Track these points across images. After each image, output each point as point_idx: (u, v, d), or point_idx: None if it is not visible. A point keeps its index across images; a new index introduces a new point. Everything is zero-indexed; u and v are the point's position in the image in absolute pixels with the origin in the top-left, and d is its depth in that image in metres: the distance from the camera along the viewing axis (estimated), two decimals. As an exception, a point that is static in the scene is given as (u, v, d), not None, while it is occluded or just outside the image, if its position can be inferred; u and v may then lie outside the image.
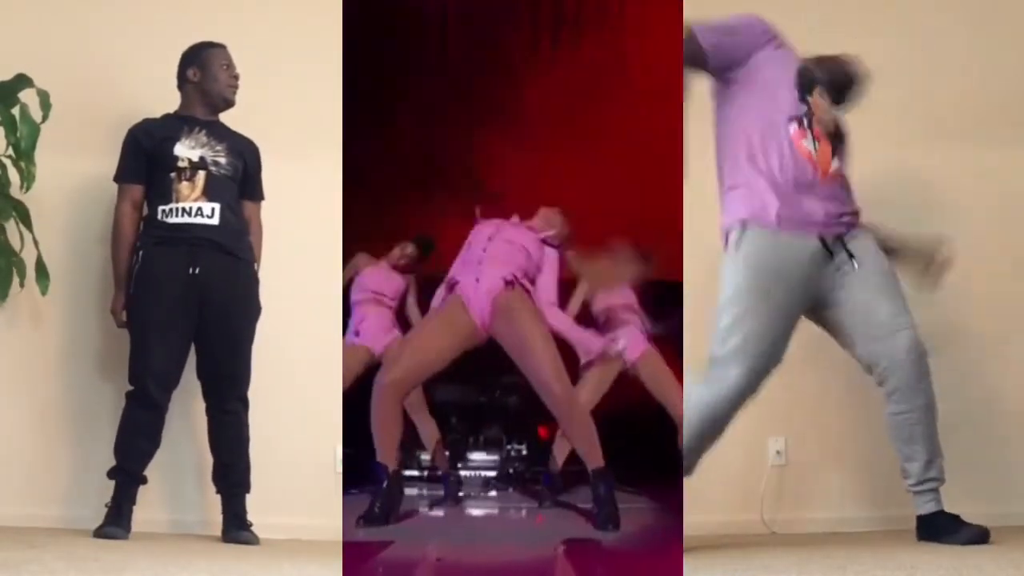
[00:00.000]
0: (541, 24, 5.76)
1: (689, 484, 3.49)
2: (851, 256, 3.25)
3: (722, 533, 3.77)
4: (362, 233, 4.71)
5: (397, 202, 5.62)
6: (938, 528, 3.26)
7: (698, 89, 3.41)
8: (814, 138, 3.29)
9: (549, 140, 5.48)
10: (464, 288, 3.63)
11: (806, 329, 3.99)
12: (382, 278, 4.91)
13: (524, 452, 5.58)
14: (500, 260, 3.69)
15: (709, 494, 3.80)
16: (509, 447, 5.46)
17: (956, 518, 3.27)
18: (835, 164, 3.32)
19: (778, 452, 4.00)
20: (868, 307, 3.24)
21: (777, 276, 3.21)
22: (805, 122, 3.29)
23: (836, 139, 3.33)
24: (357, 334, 4.77)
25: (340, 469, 4.01)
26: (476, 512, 4.45)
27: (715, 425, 3.24)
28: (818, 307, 3.32)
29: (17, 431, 3.93)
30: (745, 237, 3.24)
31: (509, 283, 3.60)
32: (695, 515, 3.67)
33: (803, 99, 3.29)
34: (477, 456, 6.04)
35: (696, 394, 3.23)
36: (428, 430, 4.83)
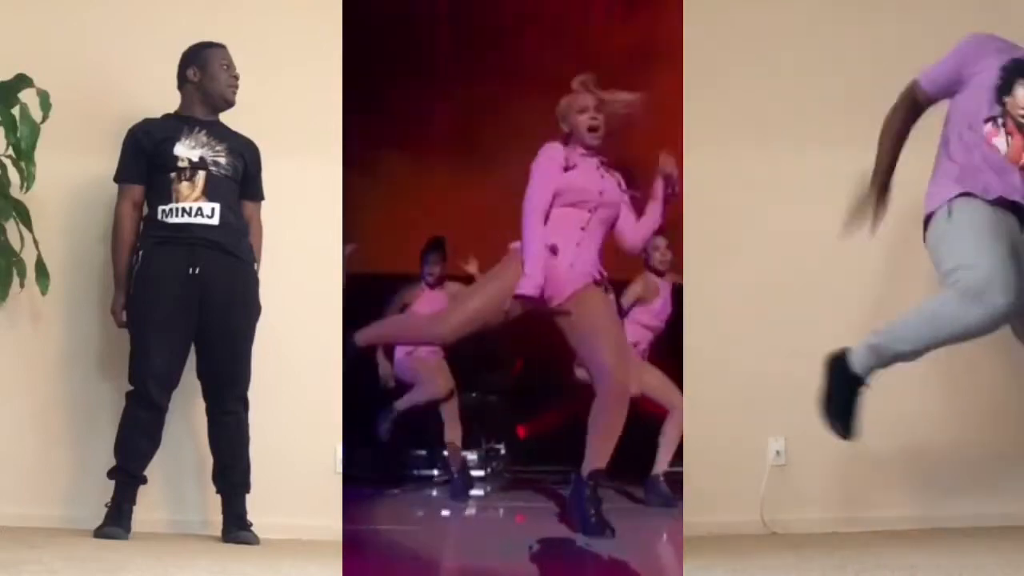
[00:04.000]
0: (540, 24, 5.76)
1: (689, 484, 3.50)
2: None
3: (722, 533, 3.77)
4: (362, 232, 4.71)
5: (397, 201, 5.61)
6: None
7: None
8: (1007, 134, 3.32)
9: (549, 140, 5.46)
10: (558, 267, 3.42)
11: (806, 329, 4.01)
12: (425, 302, 4.97)
13: (502, 451, 5.58)
14: (594, 248, 3.50)
15: (709, 494, 3.80)
16: (488, 445, 5.46)
17: None
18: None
19: (778, 452, 4.00)
20: None
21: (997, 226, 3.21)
22: (999, 121, 3.33)
23: None
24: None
25: (340, 469, 4.01)
26: (456, 511, 4.47)
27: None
28: None
29: (17, 431, 3.93)
30: (955, 206, 3.26)
31: (598, 283, 3.46)
32: (695, 515, 3.67)
33: (999, 100, 3.33)
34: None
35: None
36: (453, 434, 4.93)
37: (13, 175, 3.77)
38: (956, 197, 3.29)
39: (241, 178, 3.81)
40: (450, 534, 4.04)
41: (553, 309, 3.36)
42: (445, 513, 4.32)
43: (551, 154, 3.45)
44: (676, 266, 3.99)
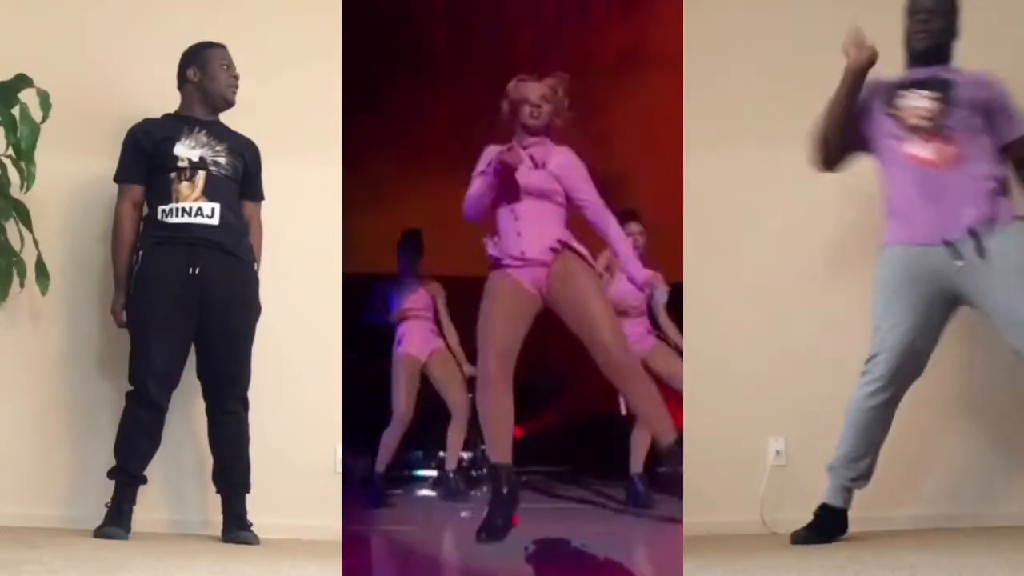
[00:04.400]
0: (540, 24, 5.76)
1: (689, 484, 3.49)
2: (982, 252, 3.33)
3: (722, 533, 3.77)
4: (362, 232, 4.71)
5: (397, 201, 5.61)
6: None
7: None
8: (921, 140, 3.42)
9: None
10: (512, 268, 3.42)
11: (806, 329, 4.01)
12: (410, 294, 5.07)
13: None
14: (536, 227, 3.45)
15: (709, 494, 3.80)
16: (484, 446, 5.45)
17: None
18: (951, 150, 3.38)
19: (778, 452, 4.00)
20: (1009, 307, 3.34)
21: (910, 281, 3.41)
22: (902, 133, 3.44)
23: (940, 118, 3.41)
24: (399, 343, 5.02)
25: (340, 469, 4.01)
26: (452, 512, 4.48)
27: None
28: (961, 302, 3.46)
29: (17, 431, 3.93)
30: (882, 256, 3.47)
31: (555, 250, 3.41)
32: (695, 515, 3.67)
33: (889, 114, 3.46)
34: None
35: None
36: (455, 438, 5.02)
37: (13, 175, 3.77)
38: (883, 246, 3.46)
39: (241, 178, 3.81)
40: (448, 534, 4.04)
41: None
42: (443, 513, 4.32)
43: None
44: (676, 266, 3.98)
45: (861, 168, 3.69)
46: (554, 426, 5.70)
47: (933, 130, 3.41)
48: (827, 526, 3.47)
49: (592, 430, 5.33)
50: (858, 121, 3.52)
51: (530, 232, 3.40)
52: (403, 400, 4.90)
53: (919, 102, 3.45)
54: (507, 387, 3.29)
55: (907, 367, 3.43)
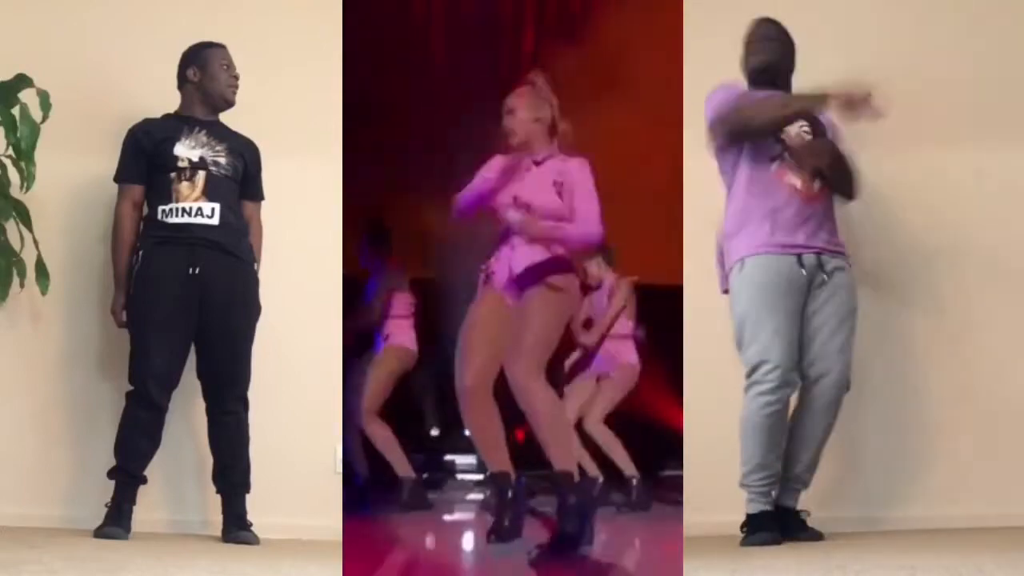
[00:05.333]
0: (540, 27, 5.76)
1: (689, 484, 3.49)
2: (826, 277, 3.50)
3: (722, 533, 3.77)
4: (362, 232, 4.70)
5: (398, 200, 5.61)
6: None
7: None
8: (792, 169, 3.54)
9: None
10: (498, 278, 3.38)
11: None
12: (394, 296, 5.04)
13: None
14: (527, 248, 3.36)
15: (708, 494, 3.80)
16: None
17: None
18: (816, 184, 3.54)
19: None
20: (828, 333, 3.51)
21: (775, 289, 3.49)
22: (786, 157, 3.54)
23: (815, 158, 3.56)
24: (386, 339, 4.97)
25: (340, 469, 4.01)
26: (459, 516, 4.46)
27: None
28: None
29: (17, 431, 3.93)
30: (747, 264, 3.51)
31: (539, 278, 3.31)
32: (695, 515, 3.67)
33: (777, 138, 3.55)
34: (454, 459, 6.04)
35: None
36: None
37: (13, 175, 3.78)
38: (748, 256, 3.51)
39: (241, 178, 3.81)
40: (450, 538, 4.04)
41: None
42: (446, 517, 4.32)
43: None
44: (676, 267, 3.98)
45: (861, 168, 3.69)
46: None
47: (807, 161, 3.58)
48: (763, 531, 3.47)
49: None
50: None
51: (521, 251, 3.33)
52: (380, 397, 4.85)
53: (798, 130, 3.59)
54: (488, 396, 3.26)
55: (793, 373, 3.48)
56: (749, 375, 3.47)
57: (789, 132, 3.56)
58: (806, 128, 3.59)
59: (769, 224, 3.50)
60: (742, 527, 3.51)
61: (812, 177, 3.53)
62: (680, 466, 3.83)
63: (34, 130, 3.68)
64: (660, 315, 4.61)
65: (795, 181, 3.53)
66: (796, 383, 3.50)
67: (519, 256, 3.33)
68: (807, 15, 3.97)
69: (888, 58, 4.06)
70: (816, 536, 3.49)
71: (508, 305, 3.34)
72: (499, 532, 3.20)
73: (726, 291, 3.63)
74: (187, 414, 3.91)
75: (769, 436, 3.45)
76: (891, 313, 4.05)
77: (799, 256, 3.49)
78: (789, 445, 3.53)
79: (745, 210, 3.54)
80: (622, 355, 4.99)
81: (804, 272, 3.49)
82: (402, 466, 4.79)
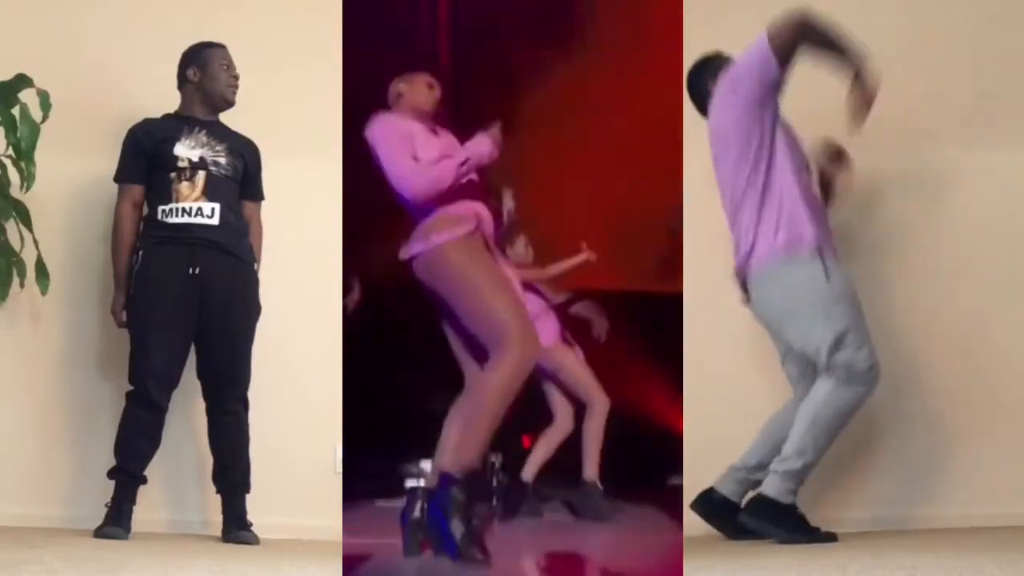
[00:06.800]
0: (540, 31, 5.75)
1: (689, 484, 3.50)
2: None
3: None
4: (362, 233, 4.68)
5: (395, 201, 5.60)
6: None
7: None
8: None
9: (548, 147, 5.46)
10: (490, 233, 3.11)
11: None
12: None
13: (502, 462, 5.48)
14: None
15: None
16: (493, 460, 5.37)
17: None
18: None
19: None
20: None
21: None
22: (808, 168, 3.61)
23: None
24: None
25: (340, 469, 4.01)
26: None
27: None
28: None
29: (17, 431, 3.93)
30: (830, 265, 3.46)
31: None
32: (695, 515, 3.67)
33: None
34: None
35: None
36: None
37: (13, 175, 3.78)
38: (820, 250, 3.43)
39: (241, 178, 3.81)
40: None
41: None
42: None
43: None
44: (676, 269, 3.98)
45: (862, 168, 3.69)
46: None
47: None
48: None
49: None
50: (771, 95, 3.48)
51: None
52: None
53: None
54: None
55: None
56: (865, 372, 3.39)
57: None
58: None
59: (822, 230, 3.48)
60: (755, 507, 3.44)
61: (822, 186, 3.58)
62: (680, 467, 3.83)
63: (34, 130, 3.68)
64: (660, 320, 4.60)
65: (816, 189, 3.57)
66: None
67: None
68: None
69: (889, 57, 4.07)
70: (831, 538, 3.45)
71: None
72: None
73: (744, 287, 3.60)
74: (187, 414, 3.91)
75: (837, 434, 3.44)
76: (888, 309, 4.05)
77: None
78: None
79: (793, 218, 3.45)
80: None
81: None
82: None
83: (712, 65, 3.64)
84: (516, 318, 2.86)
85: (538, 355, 2.89)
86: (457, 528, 2.72)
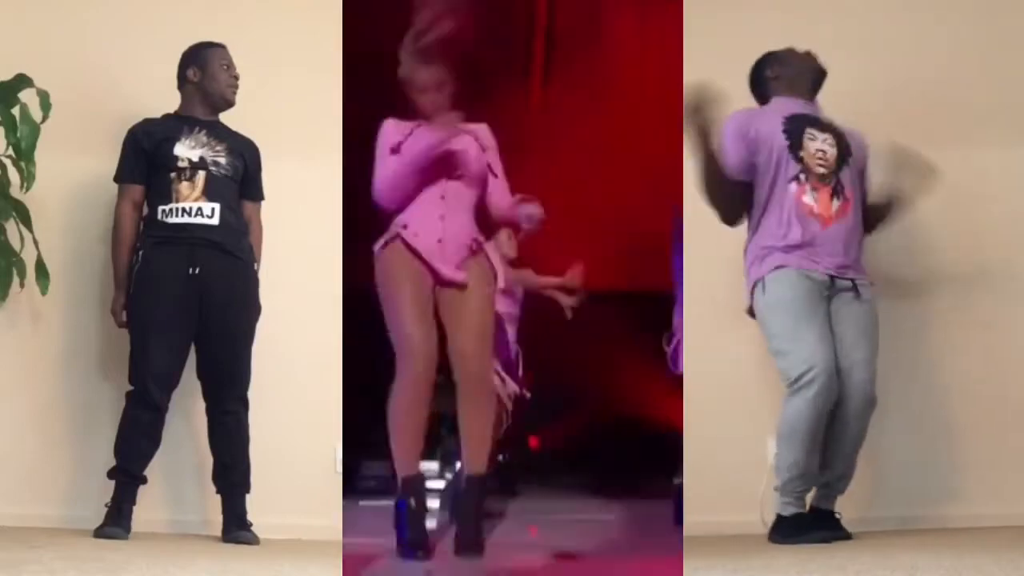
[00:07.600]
0: (539, 31, 5.76)
1: (689, 484, 3.49)
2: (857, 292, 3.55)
3: (722, 533, 3.77)
4: (362, 233, 4.67)
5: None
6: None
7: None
8: (812, 189, 3.56)
9: (547, 150, 5.46)
10: (423, 241, 3.13)
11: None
12: None
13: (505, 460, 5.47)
14: (460, 216, 3.18)
15: (709, 494, 3.80)
16: (499, 459, 5.35)
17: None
18: (835, 204, 3.57)
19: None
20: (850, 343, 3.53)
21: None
22: (802, 178, 3.55)
23: (836, 174, 3.59)
24: None
25: (340, 469, 4.01)
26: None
27: None
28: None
29: (17, 431, 3.93)
30: (769, 280, 3.56)
31: (472, 251, 3.18)
32: (695, 515, 3.67)
33: (796, 157, 3.56)
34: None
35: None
36: None
37: (13, 175, 3.78)
38: (772, 271, 3.54)
39: (241, 178, 3.81)
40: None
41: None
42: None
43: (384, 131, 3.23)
44: (676, 269, 3.98)
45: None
46: (571, 435, 5.62)
47: (828, 179, 3.58)
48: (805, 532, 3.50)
49: (607, 440, 5.24)
50: (752, 153, 3.60)
51: (454, 220, 3.15)
52: None
53: (821, 145, 3.60)
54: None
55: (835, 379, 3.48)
56: (795, 381, 3.44)
57: (809, 149, 3.57)
58: (830, 142, 3.61)
59: (792, 245, 3.53)
60: (773, 527, 3.55)
61: (832, 197, 3.56)
62: (680, 467, 3.83)
63: (34, 130, 3.68)
64: (660, 320, 4.59)
65: (812, 202, 3.55)
66: (836, 389, 3.48)
67: (455, 226, 3.16)
68: (808, 15, 3.97)
69: (891, 60, 4.07)
70: (847, 536, 3.53)
71: (430, 282, 3.14)
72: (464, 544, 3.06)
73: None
74: (187, 414, 3.91)
75: (813, 440, 3.46)
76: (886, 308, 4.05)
77: (825, 274, 3.53)
78: (823, 454, 3.55)
79: (766, 228, 3.59)
80: None
81: (826, 291, 3.53)
82: None
83: (771, 58, 3.75)
84: (417, 332, 3.05)
85: (432, 375, 3.07)
86: (410, 530, 3.03)
